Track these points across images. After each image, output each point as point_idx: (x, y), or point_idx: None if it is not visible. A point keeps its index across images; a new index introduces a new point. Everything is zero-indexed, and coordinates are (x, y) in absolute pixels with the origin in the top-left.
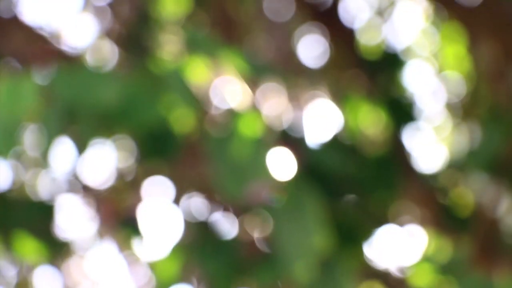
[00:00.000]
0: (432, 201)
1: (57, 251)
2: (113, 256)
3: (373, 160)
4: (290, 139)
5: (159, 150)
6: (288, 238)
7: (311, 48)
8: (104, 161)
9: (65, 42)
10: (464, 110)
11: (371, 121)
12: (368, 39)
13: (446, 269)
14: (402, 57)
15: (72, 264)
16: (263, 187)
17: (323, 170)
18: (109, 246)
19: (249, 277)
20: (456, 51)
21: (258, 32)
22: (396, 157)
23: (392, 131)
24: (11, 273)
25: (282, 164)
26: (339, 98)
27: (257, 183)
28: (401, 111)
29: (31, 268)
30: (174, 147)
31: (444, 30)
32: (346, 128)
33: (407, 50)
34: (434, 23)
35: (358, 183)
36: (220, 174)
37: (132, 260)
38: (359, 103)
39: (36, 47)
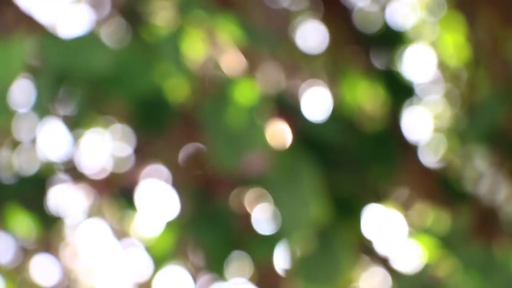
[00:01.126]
0: (430, 176)
1: (50, 226)
2: (106, 234)
3: (371, 135)
4: (286, 108)
5: (153, 119)
6: (285, 208)
7: (309, 33)
8: (99, 142)
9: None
10: (462, 98)
11: (369, 97)
12: (366, 18)
13: (445, 241)
14: (401, 33)
15: (66, 247)
16: (259, 157)
17: (320, 140)
18: (103, 224)
19: (245, 250)
20: (455, 40)
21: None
22: (394, 132)
23: (390, 107)
24: (7, 258)
25: (278, 134)
26: (337, 74)
27: (252, 153)
28: (399, 87)
29: (27, 255)
30: (168, 116)
31: (443, 19)
32: (344, 103)
33: (406, 35)
34: (432, 12)
35: (355, 157)
36: (215, 144)
37: (126, 236)
38: (357, 79)
39: (26, 27)
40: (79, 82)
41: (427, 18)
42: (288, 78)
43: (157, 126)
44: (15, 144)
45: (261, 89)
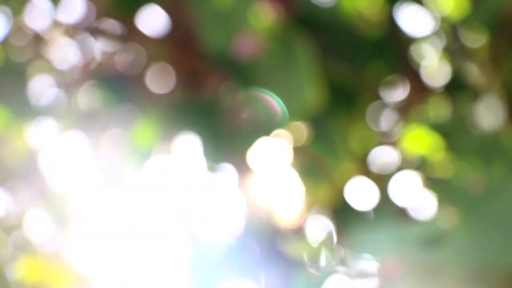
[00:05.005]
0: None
1: (29, 119)
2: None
3: (369, 38)
4: None
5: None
6: (278, 94)
7: None
8: None
9: None
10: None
11: (367, 2)
12: None
13: (444, 130)
14: None
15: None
16: (250, 39)
17: (317, 22)
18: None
19: (236, 143)
20: None
21: None
22: (392, 37)
23: (389, 12)
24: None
25: (271, 13)
26: None
27: (243, 34)
28: None
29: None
30: None
31: None
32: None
33: None
34: None
35: (353, 55)
36: (204, 25)
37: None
38: None
39: None
40: None
41: None
42: None
43: (138, 5)
44: None
45: None
